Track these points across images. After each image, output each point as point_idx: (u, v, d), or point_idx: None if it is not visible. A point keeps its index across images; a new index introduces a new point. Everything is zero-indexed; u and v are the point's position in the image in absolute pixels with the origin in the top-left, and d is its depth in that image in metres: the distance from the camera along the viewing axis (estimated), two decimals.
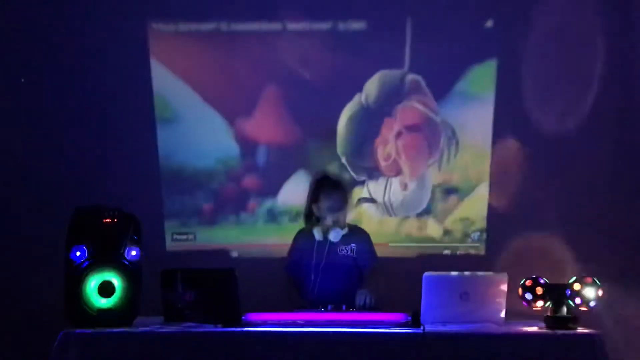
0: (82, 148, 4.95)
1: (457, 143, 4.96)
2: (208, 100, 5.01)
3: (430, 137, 5.00)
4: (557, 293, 3.40)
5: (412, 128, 5.00)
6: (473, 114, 4.96)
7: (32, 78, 4.97)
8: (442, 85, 4.97)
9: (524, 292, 3.44)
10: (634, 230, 4.81)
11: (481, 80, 4.94)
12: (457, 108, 4.97)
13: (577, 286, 3.37)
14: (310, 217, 4.21)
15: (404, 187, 5.01)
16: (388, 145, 5.00)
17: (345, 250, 4.14)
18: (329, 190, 4.11)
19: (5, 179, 4.93)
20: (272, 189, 5.03)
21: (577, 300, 3.36)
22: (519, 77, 4.90)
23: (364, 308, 3.77)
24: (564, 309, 3.39)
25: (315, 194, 4.16)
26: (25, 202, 4.91)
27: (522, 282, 3.46)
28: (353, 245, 4.15)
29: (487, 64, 4.94)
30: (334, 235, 4.10)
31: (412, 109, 4.99)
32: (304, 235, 4.24)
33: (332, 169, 4.82)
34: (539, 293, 3.41)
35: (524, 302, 3.46)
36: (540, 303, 3.43)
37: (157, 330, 3.41)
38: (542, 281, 3.43)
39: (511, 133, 4.93)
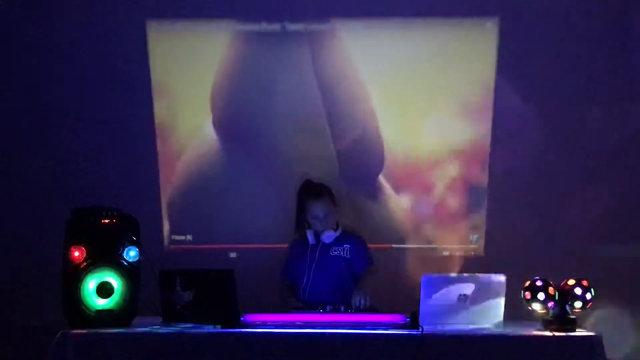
0: (81, 148, 4.95)
1: None
2: (207, 100, 5.01)
3: None
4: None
5: None
6: (471, 116, 4.96)
7: (30, 78, 4.96)
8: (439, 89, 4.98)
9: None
10: (634, 231, 4.83)
11: (479, 77, 4.95)
12: (453, 113, 4.97)
13: (571, 287, 3.38)
14: (302, 225, 4.24)
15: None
16: None
17: (338, 251, 4.17)
18: (313, 198, 4.18)
19: (3, 179, 4.93)
20: (271, 190, 5.03)
21: (575, 303, 3.36)
22: (518, 76, 4.91)
23: (360, 309, 3.78)
24: (562, 311, 3.39)
25: (300, 203, 4.23)
26: (23, 202, 4.91)
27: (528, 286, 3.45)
28: (347, 246, 4.19)
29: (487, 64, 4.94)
30: (327, 237, 4.16)
31: None
32: (298, 240, 4.29)
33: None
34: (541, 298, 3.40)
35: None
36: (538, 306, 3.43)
37: (155, 330, 3.41)
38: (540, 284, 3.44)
39: (510, 134, 4.93)
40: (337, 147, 4.98)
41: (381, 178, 5.00)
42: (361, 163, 5.02)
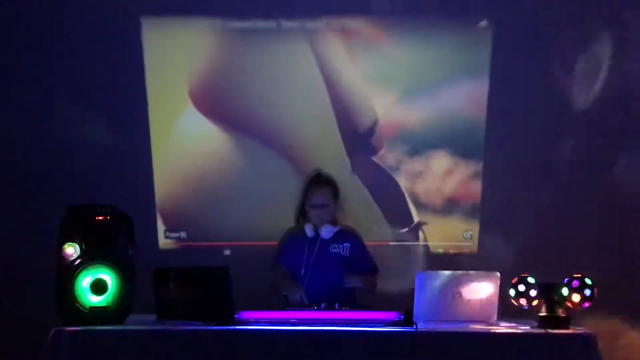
0: (76, 145, 4.94)
1: None
2: (201, 97, 5.01)
3: None
4: (550, 292, 3.40)
5: None
6: (467, 116, 4.97)
7: (25, 75, 4.96)
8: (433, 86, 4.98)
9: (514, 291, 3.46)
10: (629, 228, 4.84)
11: (475, 74, 4.95)
12: (449, 111, 4.97)
13: (567, 286, 3.38)
14: (302, 214, 4.23)
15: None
16: None
17: (337, 248, 4.16)
18: (315, 186, 4.18)
19: None
20: (266, 187, 5.02)
21: (570, 300, 3.37)
22: (511, 75, 4.92)
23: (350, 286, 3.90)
24: (557, 309, 3.39)
25: (304, 190, 4.21)
26: (18, 199, 4.91)
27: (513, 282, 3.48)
28: (346, 244, 4.17)
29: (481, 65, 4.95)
30: (325, 232, 4.14)
31: None
32: (295, 232, 4.26)
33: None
34: (531, 295, 3.43)
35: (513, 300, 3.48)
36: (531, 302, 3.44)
37: (149, 328, 3.41)
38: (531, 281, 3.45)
39: (504, 132, 4.94)
40: (344, 141, 5.02)
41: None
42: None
